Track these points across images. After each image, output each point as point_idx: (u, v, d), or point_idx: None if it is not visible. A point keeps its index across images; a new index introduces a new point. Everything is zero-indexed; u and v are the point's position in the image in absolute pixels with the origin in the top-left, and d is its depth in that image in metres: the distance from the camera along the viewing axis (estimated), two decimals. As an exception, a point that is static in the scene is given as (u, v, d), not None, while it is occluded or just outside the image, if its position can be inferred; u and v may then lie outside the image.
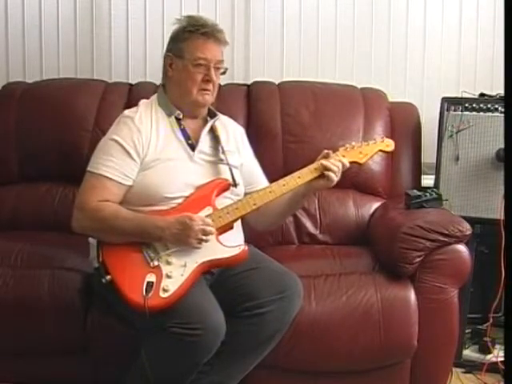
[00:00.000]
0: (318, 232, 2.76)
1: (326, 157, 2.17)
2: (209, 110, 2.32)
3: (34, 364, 2.31)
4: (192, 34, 2.20)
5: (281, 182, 2.16)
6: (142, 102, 2.29)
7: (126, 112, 2.24)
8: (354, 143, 2.25)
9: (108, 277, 2.00)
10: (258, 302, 2.05)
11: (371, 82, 3.06)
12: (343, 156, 2.20)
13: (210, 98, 2.23)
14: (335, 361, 2.27)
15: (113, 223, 2.06)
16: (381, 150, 2.31)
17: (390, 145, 2.32)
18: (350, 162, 2.20)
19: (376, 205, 2.78)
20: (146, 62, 3.18)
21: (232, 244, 2.09)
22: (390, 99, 2.96)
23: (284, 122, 2.82)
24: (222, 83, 2.96)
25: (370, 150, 2.26)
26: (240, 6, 3.18)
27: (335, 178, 2.14)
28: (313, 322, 2.23)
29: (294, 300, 2.11)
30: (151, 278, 1.98)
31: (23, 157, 2.83)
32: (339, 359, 2.27)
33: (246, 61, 3.21)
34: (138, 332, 2.06)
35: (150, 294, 1.94)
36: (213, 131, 2.28)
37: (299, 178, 2.15)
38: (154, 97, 2.30)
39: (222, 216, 2.09)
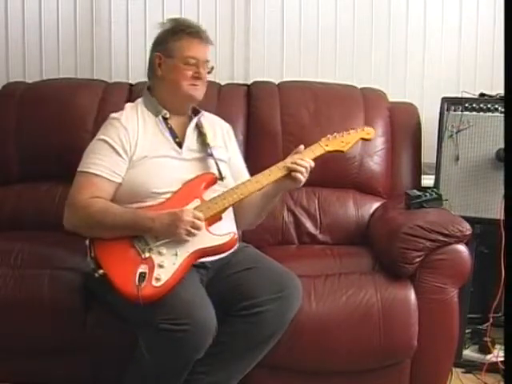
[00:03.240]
0: (318, 232, 2.76)
1: (298, 152, 2.20)
2: (192, 108, 2.37)
3: (34, 364, 2.31)
4: (181, 34, 2.28)
5: (259, 175, 2.18)
6: (128, 104, 2.35)
7: (113, 114, 2.30)
8: (335, 133, 2.29)
9: (101, 271, 2.02)
10: (257, 300, 2.04)
11: (371, 82, 3.06)
12: (326, 145, 2.25)
13: (200, 93, 2.29)
14: (335, 361, 2.27)
15: (102, 218, 2.08)
16: (362, 139, 2.35)
17: (370, 133, 2.36)
18: (333, 151, 2.25)
19: (376, 205, 2.78)
20: (146, 62, 3.14)
21: (222, 232, 2.12)
22: (390, 99, 2.96)
23: (284, 121, 2.82)
24: (222, 83, 3.00)
25: (352, 138, 2.31)
26: (240, 6, 3.19)
27: (302, 178, 2.17)
28: (313, 322, 2.22)
29: (292, 299, 2.11)
30: (143, 268, 2.00)
31: (23, 157, 2.83)
32: (339, 359, 2.27)
33: (246, 61, 3.21)
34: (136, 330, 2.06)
35: (143, 284, 1.96)
36: (198, 128, 2.32)
37: (269, 175, 2.17)
38: (140, 99, 2.35)
39: (210, 207, 2.12)
